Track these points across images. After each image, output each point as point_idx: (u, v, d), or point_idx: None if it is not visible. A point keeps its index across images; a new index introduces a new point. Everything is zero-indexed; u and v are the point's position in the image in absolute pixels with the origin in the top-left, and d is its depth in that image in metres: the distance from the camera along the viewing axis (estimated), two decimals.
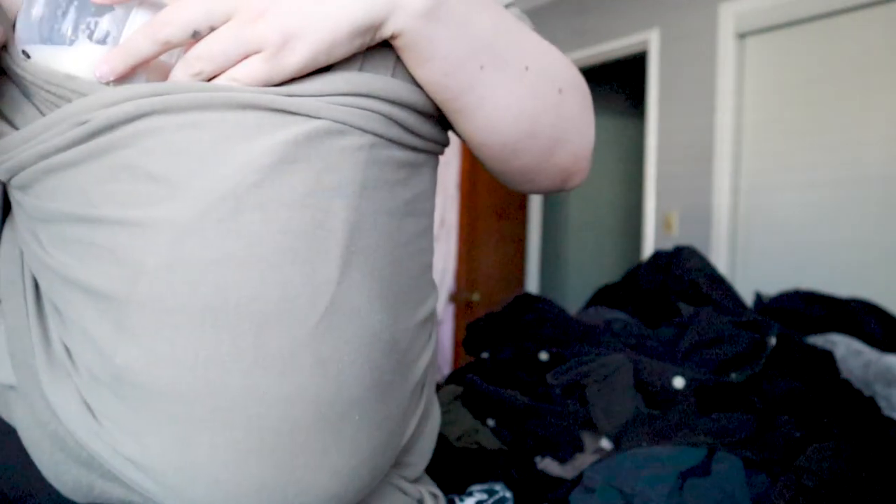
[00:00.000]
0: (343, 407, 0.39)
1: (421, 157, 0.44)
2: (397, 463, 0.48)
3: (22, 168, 0.39)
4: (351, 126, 0.39)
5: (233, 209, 0.36)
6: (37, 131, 0.38)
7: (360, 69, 0.41)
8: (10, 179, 0.40)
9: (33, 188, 0.39)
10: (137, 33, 0.37)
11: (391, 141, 0.41)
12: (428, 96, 0.44)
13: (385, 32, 0.40)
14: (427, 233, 0.46)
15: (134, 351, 0.36)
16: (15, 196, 0.41)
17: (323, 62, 0.39)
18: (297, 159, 0.37)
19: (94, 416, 0.39)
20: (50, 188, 0.39)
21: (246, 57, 0.38)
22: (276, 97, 0.37)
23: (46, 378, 0.40)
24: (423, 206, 0.45)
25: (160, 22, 0.37)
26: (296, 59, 0.38)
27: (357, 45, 0.39)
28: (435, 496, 0.51)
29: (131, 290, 0.36)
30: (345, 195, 0.39)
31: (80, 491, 0.41)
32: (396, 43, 0.41)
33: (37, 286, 0.43)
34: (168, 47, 0.38)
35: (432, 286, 0.48)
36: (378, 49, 0.41)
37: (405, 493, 0.48)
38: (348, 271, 0.39)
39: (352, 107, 0.39)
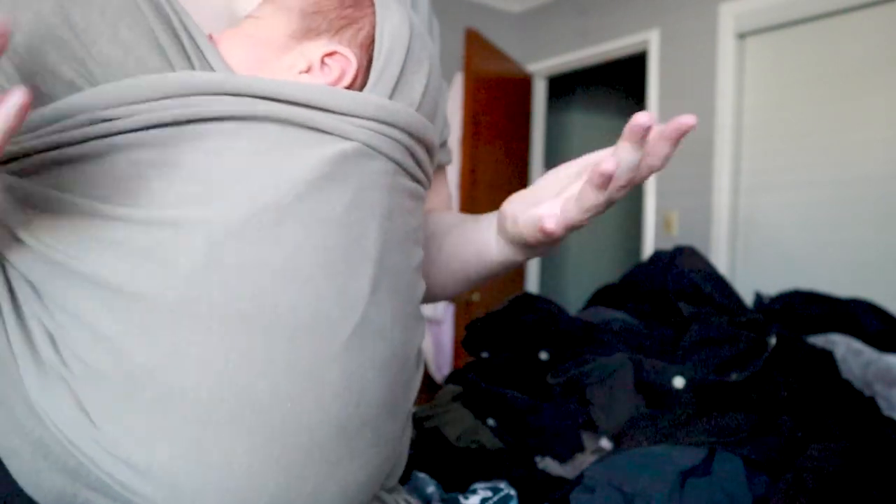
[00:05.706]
0: (360, 423, 0.40)
1: (421, 190, 0.46)
2: None
3: (26, 154, 0.38)
4: (378, 151, 0.41)
5: (275, 219, 0.37)
6: (48, 119, 0.37)
7: (391, 97, 0.42)
8: (6, 163, 0.39)
9: (39, 175, 0.38)
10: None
11: (406, 171, 0.43)
12: (435, 135, 0.47)
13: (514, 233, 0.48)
14: (422, 265, 0.48)
15: (158, 350, 0.36)
16: (7, 182, 0.39)
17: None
18: (336, 177, 0.39)
19: (90, 419, 0.37)
20: (60, 177, 0.38)
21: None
22: (314, 114, 0.39)
23: (34, 383, 0.38)
24: (421, 237, 0.48)
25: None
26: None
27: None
28: None
29: (161, 289, 0.36)
30: (377, 216, 0.40)
31: (63, 501, 0.39)
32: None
33: (10, 288, 0.40)
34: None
35: (423, 318, 0.50)
36: (408, 80, 0.43)
37: (384, 502, 0.49)
38: (377, 290, 0.40)
39: (379, 133, 0.41)
